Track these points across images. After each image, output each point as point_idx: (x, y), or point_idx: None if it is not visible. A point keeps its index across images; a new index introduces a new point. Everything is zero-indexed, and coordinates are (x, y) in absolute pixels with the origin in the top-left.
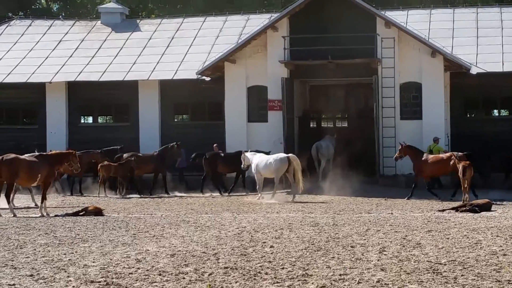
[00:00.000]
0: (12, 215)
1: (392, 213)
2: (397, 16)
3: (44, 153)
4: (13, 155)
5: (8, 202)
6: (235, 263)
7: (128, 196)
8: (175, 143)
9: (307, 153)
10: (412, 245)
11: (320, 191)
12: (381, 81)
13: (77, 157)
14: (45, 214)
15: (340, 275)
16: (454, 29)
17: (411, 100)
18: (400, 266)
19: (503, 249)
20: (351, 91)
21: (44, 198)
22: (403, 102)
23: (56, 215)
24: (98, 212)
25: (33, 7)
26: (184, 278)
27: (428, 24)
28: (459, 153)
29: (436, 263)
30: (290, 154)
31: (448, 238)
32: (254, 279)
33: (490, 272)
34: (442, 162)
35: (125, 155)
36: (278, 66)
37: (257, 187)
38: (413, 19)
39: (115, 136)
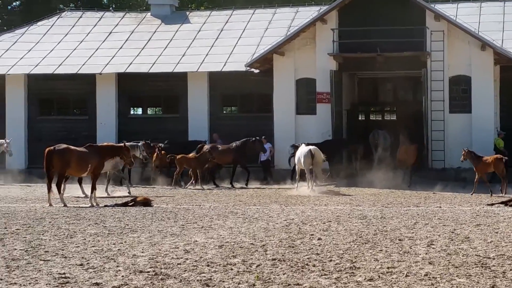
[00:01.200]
0: (63, 205)
1: (440, 207)
2: (446, 9)
3: (95, 144)
4: (64, 146)
5: (59, 192)
6: (283, 255)
7: (206, 187)
8: (260, 137)
9: (359, 144)
10: (461, 239)
11: (368, 183)
12: (430, 75)
13: (129, 150)
14: (94, 204)
15: (387, 268)
16: (505, 22)
17: (460, 93)
18: (448, 260)
19: None
20: (399, 84)
21: (94, 189)
22: (452, 95)
23: (105, 206)
24: (146, 202)
25: None
26: (232, 269)
27: (478, 17)
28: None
29: (484, 257)
30: (312, 147)
31: (497, 232)
32: (302, 271)
33: None
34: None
35: (205, 147)
36: (326, 59)
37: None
38: (463, 12)
39: (164, 127)
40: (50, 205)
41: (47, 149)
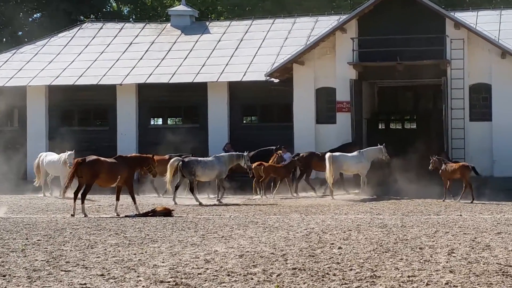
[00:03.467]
0: (84, 215)
1: (461, 215)
2: (466, 17)
3: (124, 155)
4: (94, 157)
5: (82, 202)
6: (303, 264)
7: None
8: (280, 146)
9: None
10: (482, 247)
11: (389, 192)
12: (450, 83)
13: (155, 161)
14: (115, 214)
15: (408, 276)
16: None
17: (481, 101)
18: (469, 268)
19: None
20: (419, 93)
21: (133, 199)
22: (472, 103)
23: (126, 216)
24: (167, 213)
25: (104, 10)
26: (252, 278)
27: (498, 25)
28: None
29: (505, 266)
30: (327, 154)
31: None
32: (322, 280)
33: None
34: None
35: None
36: (346, 68)
37: None
38: (483, 20)
39: (185, 138)
40: (72, 215)
41: (76, 160)
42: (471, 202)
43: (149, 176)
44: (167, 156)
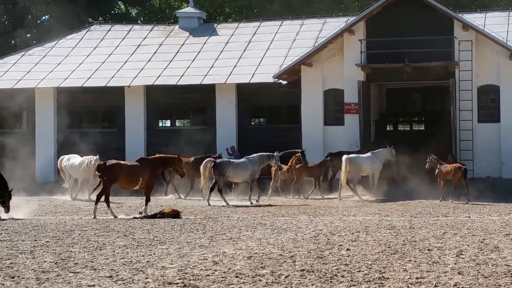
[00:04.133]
0: (93, 217)
1: (469, 217)
2: (474, 18)
3: (147, 157)
4: (114, 161)
5: (96, 203)
6: (311, 266)
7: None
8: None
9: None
10: (490, 248)
11: (396, 194)
12: (458, 84)
13: (182, 161)
14: (143, 215)
15: (416, 278)
16: None
17: (489, 103)
18: (477, 270)
19: None
20: (427, 94)
21: (147, 200)
22: (481, 105)
23: (134, 217)
24: (175, 214)
25: (112, 12)
26: (260, 280)
27: (507, 26)
28: None
29: None
30: (344, 156)
31: None
32: (331, 281)
33: None
34: None
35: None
36: (354, 69)
37: None
38: (491, 22)
39: (193, 139)
40: (94, 217)
41: (97, 164)
42: (466, 203)
43: (167, 177)
44: (192, 158)
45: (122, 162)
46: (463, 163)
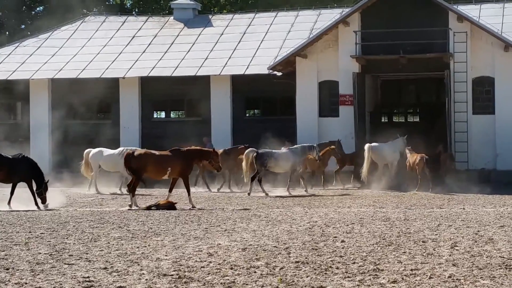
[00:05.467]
0: (134, 207)
1: (464, 208)
2: (469, 10)
3: (180, 148)
4: (142, 150)
5: (133, 195)
6: (306, 258)
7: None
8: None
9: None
10: (484, 240)
11: (391, 185)
12: (453, 76)
13: (218, 155)
14: (191, 206)
15: (411, 270)
16: None
17: (484, 94)
18: (472, 262)
19: None
20: (422, 86)
21: (188, 190)
22: (475, 96)
23: (129, 209)
24: (171, 206)
25: (107, 3)
26: (255, 272)
27: (501, 18)
28: None
29: (508, 259)
30: (366, 145)
31: None
32: (325, 273)
33: None
34: None
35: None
36: (349, 61)
37: None
38: (486, 13)
39: (187, 131)
40: (130, 207)
41: (126, 153)
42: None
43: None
44: (220, 150)
45: (151, 151)
46: (426, 155)
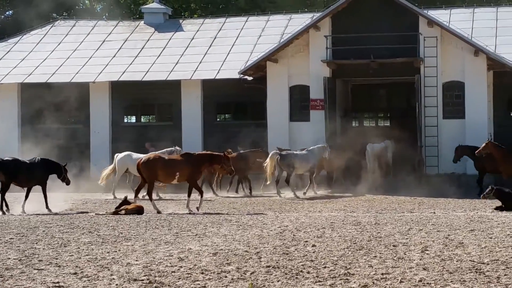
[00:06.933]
0: (156, 212)
1: (434, 212)
2: (439, 15)
3: (191, 152)
4: (151, 154)
5: (151, 200)
6: (277, 262)
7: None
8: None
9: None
10: (455, 244)
11: (363, 190)
12: (423, 80)
13: (229, 159)
14: (196, 210)
15: (382, 274)
16: (498, 28)
17: (454, 99)
18: (442, 266)
19: None
20: (393, 91)
21: (189, 195)
22: (446, 101)
23: (97, 214)
24: (139, 210)
25: (77, 7)
26: (226, 276)
27: (471, 23)
28: None
29: (479, 263)
30: (368, 145)
31: (491, 238)
32: (296, 278)
33: None
34: None
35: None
36: (320, 66)
37: None
38: (456, 18)
39: (158, 135)
40: (158, 212)
41: (138, 160)
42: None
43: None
44: (234, 154)
45: (160, 155)
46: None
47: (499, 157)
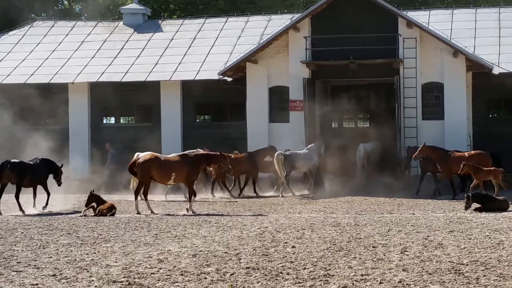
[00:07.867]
0: (150, 212)
1: (414, 214)
2: (419, 16)
3: (188, 153)
4: (147, 154)
5: (146, 200)
6: (256, 263)
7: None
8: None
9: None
10: (434, 245)
11: (341, 191)
12: (402, 81)
13: (227, 158)
14: (190, 212)
15: (361, 275)
16: (476, 29)
17: (433, 100)
18: (422, 267)
19: None
20: (372, 91)
21: (190, 196)
22: (425, 102)
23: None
24: (110, 207)
25: (55, 8)
26: (205, 278)
27: (450, 24)
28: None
29: (458, 264)
30: (360, 145)
31: (470, 239)
32: (276, 279)
33: None
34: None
35: None
36: (299, 67)
37: None
38: (435, 19)
39: (137, 136)
40: (153, 212)
41: (133, 160)
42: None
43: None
44: (243, 154)
45: (156, 155)
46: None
47: (437, 159)
